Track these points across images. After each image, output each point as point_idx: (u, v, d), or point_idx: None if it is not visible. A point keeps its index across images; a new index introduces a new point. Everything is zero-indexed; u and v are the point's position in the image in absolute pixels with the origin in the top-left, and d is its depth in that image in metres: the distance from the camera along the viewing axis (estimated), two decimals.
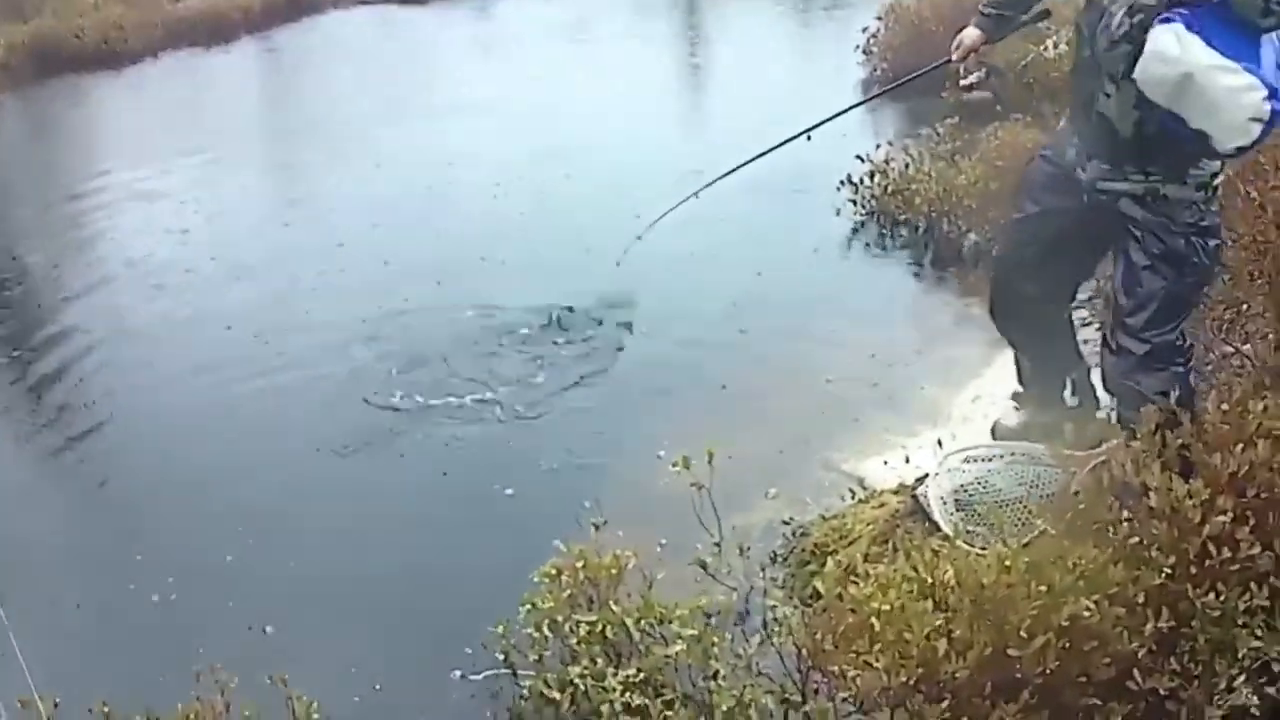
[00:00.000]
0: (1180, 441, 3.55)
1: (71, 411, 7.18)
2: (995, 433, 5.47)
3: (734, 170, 6.06)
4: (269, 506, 6.11)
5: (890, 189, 9.23)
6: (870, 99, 5.77)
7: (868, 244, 9.06)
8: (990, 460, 4.95)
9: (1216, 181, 4.40)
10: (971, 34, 5.34)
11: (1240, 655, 3.17)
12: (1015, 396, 5.51)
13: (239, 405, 7.15)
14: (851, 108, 6.07)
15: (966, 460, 4.98)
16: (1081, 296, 5.96)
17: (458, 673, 4.67)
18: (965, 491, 4.81)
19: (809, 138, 5.82)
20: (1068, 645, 3.13)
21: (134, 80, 16.23)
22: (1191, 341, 4.66)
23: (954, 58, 5.42)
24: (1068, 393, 5.39)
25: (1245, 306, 5.07)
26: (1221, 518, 3.26)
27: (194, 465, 6.54)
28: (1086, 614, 3.15)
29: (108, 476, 6.50)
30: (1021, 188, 5.08)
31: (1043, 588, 3.21)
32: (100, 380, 7.56)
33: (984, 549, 3.92)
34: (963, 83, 6.25)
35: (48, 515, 6.25)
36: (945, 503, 4.78)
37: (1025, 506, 4.53)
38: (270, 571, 5.61)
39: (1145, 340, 4.46)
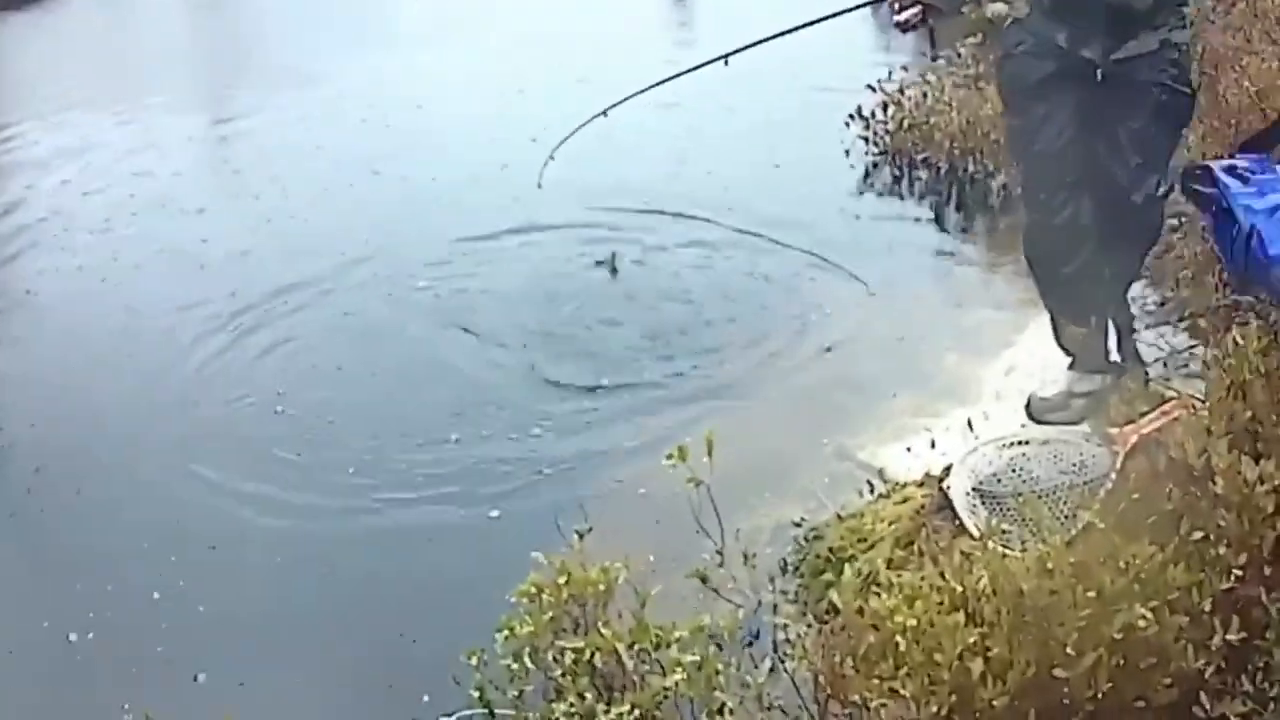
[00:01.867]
0: (1251, 413, 3.53)
1: None
2: (1030, 408, 5.47)
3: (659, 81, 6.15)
4: (199, 529, 6.07)
5: (906, 123, 9.23)
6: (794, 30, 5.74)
7: (881, 189, 9.07)
8: (1026, 444, 4.93)
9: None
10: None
11: None
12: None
13: (163, 411, 7.12)
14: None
15: (1000, 446, 4.97)
16: None
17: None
18: (997, 481, 4.79)
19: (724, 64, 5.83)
20: (1122, 663, 3.10)
21: (44, 20, 16.19)
22: None
23: None
24: (1114, 355, 5.44)
25: None
26: None
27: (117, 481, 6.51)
28: (1142, 624, 3.12)
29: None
30: (1013, 95, 5.24)
31: (1091, 593, 3.19)
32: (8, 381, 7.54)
33: (1021, 550, 3.91)
34: (896, 18, 6.28)
35: None
36: (971, 497, 4.76)
37: (1067, 496, 4.51)
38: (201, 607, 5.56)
39: (1151, 204, 5.03)
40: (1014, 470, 4.79)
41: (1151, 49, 4.81)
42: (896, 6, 5.63)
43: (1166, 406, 4.68)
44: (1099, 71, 4.85)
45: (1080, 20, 4.84)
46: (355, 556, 5.80)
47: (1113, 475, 4.48)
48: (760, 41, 5.83)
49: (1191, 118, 5.28)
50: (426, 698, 4.64)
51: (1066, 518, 4.30)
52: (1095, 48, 4.83)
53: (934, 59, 9.27)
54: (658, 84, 6.10)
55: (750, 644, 4.48)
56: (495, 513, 5.92)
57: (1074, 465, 4.69)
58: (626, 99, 6.01)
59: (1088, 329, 5.39)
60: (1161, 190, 5.05)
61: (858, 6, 5.79)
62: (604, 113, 6.09)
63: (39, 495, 6.45)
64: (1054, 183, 5.13)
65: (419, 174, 10.17)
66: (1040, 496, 4.46)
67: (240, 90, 13.16)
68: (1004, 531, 4.31)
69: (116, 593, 5.65)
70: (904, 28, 6.16)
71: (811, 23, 5.74)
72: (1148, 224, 5.21)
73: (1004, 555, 3.68)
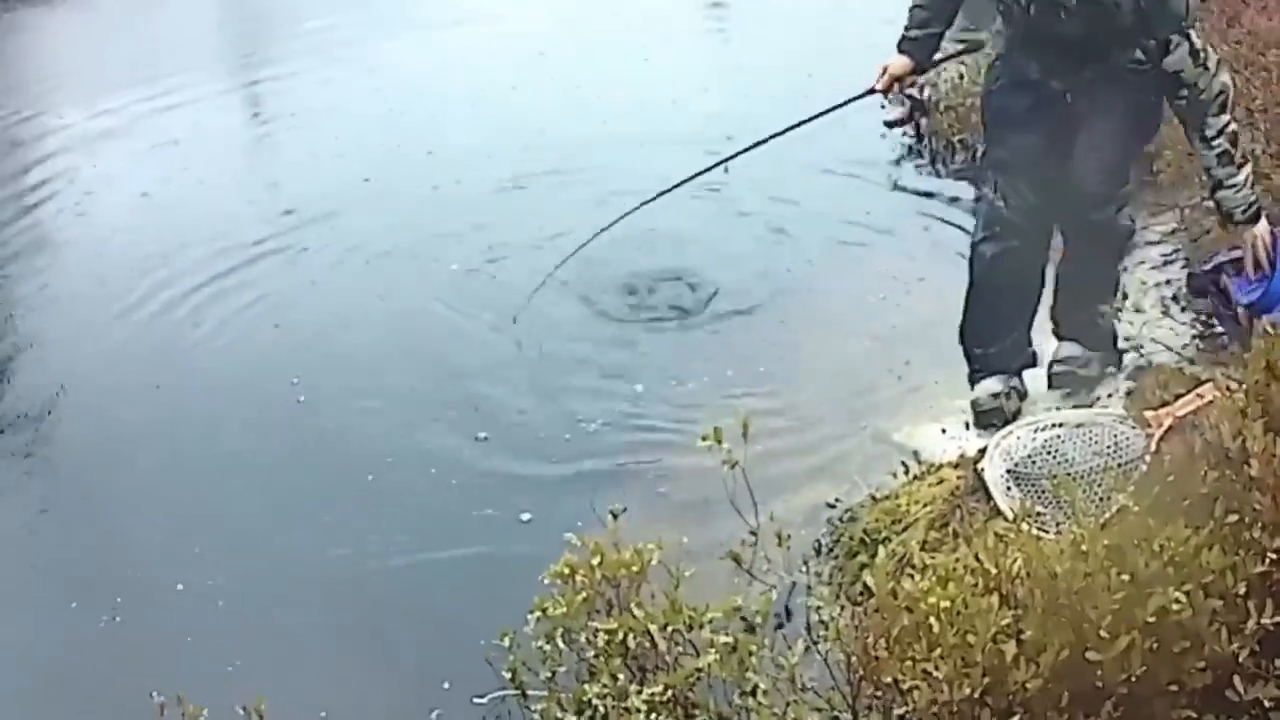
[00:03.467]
0: None
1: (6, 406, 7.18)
2: (975, 407, 5.80)
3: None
4: (225, 510, 6.12)
5: (942, 104, 9.19)
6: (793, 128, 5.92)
7: (918, 168, 9.06)
8: (1060, 426, 4.93)
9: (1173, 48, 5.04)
10: (897, 62, 5.71)
11: None
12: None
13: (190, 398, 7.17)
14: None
15: (1035, 429, 4.96)
16: None
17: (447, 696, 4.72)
18: (1032, 463, 4.79)
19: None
20: (1155, 646, 3.08)
21: (75, 4, 16.23)
22: None
23: (877, 86, 5.73)
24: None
25: None
26: None
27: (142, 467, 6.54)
28: (1177, 607, 3.11)
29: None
30: (996, 129, 5.67)
31: (1125, 576, 3.18)
32: (38, 371, 7.54)
33: (1055, 532, 3.91)
34: (885, 118, 6.41)
35: None
36: (1005, 479, 4.75)
37: (1102, 479, 4.50)
38: (234, 592, 5.56)
39: (1111, 199, 5.41)
40: (1048, 453, 4.80)
41: (1115, 71, 5.17)
42: (884, 106, 5.77)
43: (1201, 389, 4.67)
44: (1067, 95, 5.31)
45: (1048, 53, 5.25)
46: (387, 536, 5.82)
47: (1147, 458, 4.47)
48: (761, 142, 6.23)
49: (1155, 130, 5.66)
50: (447, 684, 4.73)
51: (1100, 500, 4.29)
52: (1062, 77, 5.29)
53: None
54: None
55: (782, 625, 4.49)
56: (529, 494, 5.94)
57: (1108, 448, 4.69)
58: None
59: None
60: (1124, 196, 5.54)
61: (859, 97, 5.92)
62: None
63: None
64: (1032, 210, 5.49)
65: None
66: (1074, 479, 4.44)
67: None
68: (1038, 514, 4.31)
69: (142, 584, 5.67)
70: (893, 125, 6.33)
71: (814, 117, 5.91)
72: (1115, 236, 5.62)
73: (1038, 538, 3.68)
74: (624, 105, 11.09)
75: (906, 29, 5.70)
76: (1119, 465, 4.58)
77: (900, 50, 5.70)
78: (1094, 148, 5.33)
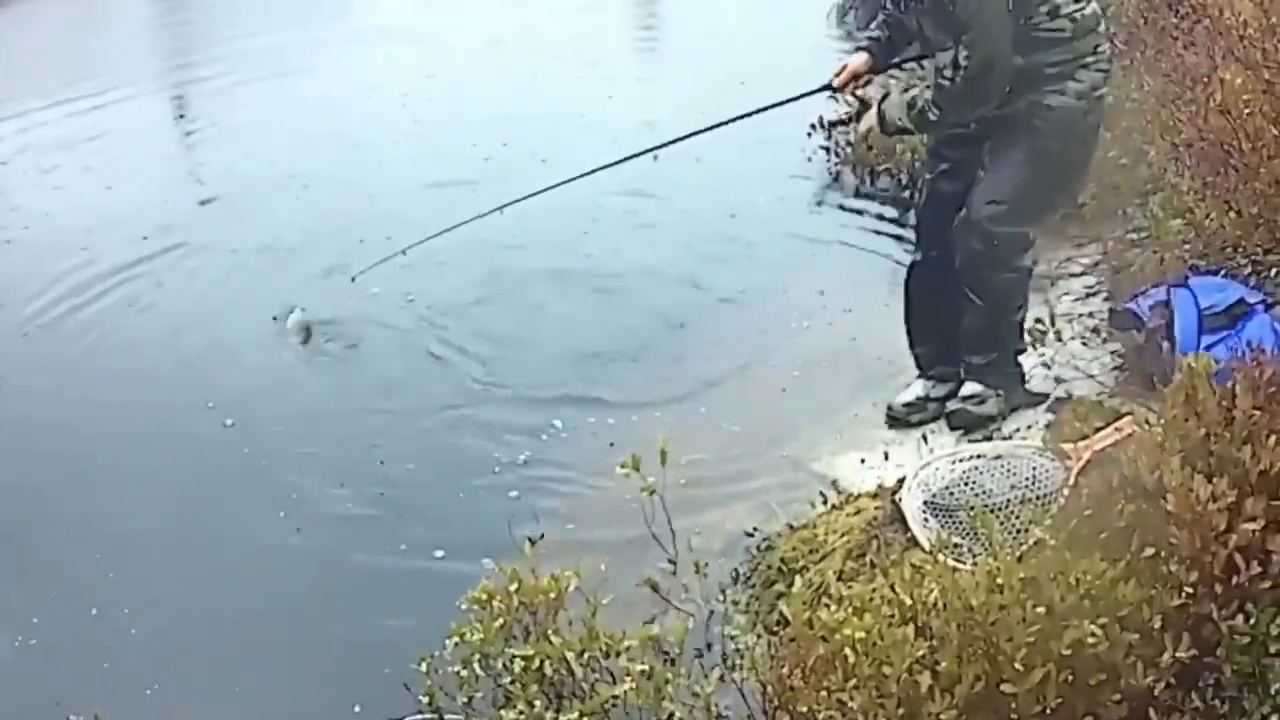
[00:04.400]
0: (1204, 431, 3.54)
1: None
2: (890, 412, 6.06)
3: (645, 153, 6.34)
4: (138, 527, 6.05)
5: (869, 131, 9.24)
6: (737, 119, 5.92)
7: (842, 200, 9.09)
8: (979, 458, 4.96)
9: (1098, 93, 5.46)
10: (858, 59, 5.78)
11: (1273, 690, 3.13)
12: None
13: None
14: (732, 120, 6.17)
15: (954, 460, 4.99)
16: None
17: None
18: (950, 494, 4.81)
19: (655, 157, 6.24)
20: (1071, 678, 3.10)
21: (16, 14, 16.17)
22: (1035, 258, 5.80)
23: (834, 83, 5.80)
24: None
25: None
26: (1251, 525, 3.20)
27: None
28: (1093, 640, 3.12)
29: None
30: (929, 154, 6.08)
31: (1040, 609, 3.19)
32: None
33: (973, 564, 3.92)
34: (830, 118, 6.46)
35: None
36: (923, 510, 4.77)
37: (1019, 511, 4.53)
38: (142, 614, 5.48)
39: (993, 233, 5.45)
40: (966, 484, 4.83)
41: (1020, 109, 5.41)
42: (838, 82, 5.77)
43: (1120, 423, 4.72)
44: (971, 124, 5.56)
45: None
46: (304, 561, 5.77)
47: (1065, 490, 4.51)
48: (700, 131, 6.12)
49: (1061, 187, 5.84)
50: (358, 708, 4.72)
51: (1018, 532, 4.32)
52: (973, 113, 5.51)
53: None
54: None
55: (701, 655, 4.47)
56: (448, 516, 5.91)
57: (1026, 480, 4.73)
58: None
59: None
60: (1019, 236, 5.58)
61: (813, 93, 5.97)
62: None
63: None
64: (938, 224, 5.74)
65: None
66: (992, 510, 4.48)
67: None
68: (955, 545, 4.33)
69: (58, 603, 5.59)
70: (835, 125, 6.37)
71: (764, 108, 5.92)
72: (1003, 269, 5.60)
73: (954, 569, 3.69)
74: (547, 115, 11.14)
75: (870, 28, 5.84)
76: (1037, 497, 4.61)
77: (860, 49, 5.80)
78: (987, 176, 5.54)
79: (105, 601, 5.52)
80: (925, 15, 5.41)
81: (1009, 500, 4.64)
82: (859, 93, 5.79)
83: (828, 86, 5.81)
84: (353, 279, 7.18)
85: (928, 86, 5.43)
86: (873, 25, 5.82)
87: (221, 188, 10.08)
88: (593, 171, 6.18)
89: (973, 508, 4.49)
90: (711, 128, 6.02)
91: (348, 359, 7.42)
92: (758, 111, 5.95)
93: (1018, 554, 3.67)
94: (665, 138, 6.20)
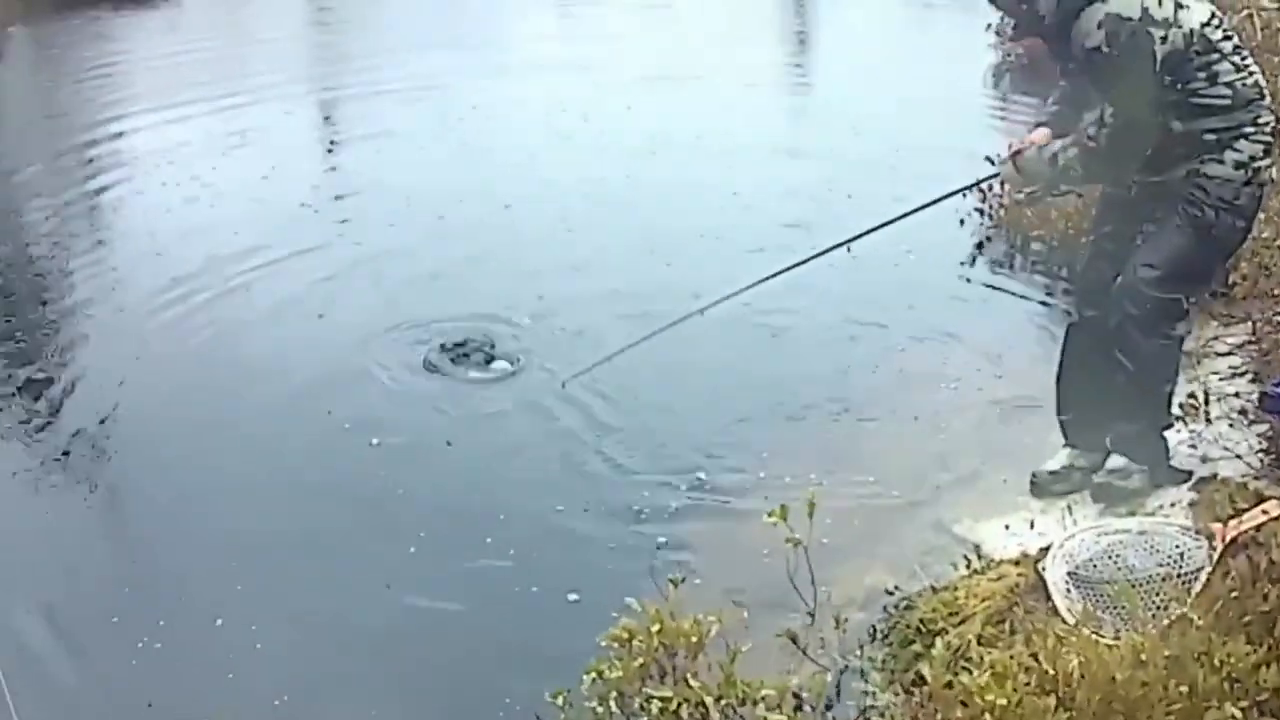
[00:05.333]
0: None
1: (63, 413, 7.32)
2: (1034, 480, 6.03)
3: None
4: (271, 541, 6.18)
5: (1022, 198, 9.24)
6: (908, 215, 6.01)
7: (994, 262, 9.11)
8: (1125, 532, 4.96)
9: (1257, 164, 5.36)
10: (1039, 134, 5.72)
11: None
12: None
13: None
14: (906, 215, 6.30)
15: (1099, 533, 4.99)
16: None
17: None
18: (1093, 567, 4.81)
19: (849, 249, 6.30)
20: None
21: (168, 16, 16.64)
22: (1189, 329, 5.86)
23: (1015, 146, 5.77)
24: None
25: None
26: None
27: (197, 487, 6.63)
28: None
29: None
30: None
31: (1183, 688, 3.22)
32: (95, 378, 7.70)
33: (1115, 638, 3.94)
34: (1019, 193, 6.40)
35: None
36: (1066, 581, 4.77)
37: (1161, 589, 4.53)
38: (272, 632, 5.54)
39: (1147, 297, 5.39)
40: (1110, 557, 4.82)
41: (1178, 175, 5.39)
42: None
43: (1266, 505, 4.70)
44: (1133, 188, 5.57)
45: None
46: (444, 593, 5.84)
47: (1208, 569, 4.50)
48: (887, 223, 6.33)
49: (1217, 256, 5.74)
50: None
51: (1159, 609, 4.32)
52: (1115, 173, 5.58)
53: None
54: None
55: (831, 707, 4.52)
56: (591, 557, 5.98)
57: (1170, 558, 4.70)
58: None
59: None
60: (1173, 307, 5.49)
61: (955, 193, 6.30)
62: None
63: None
64: (1096, 286, 5.73)
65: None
66: (1135, 586, 4.48)
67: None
68: (1098, 619, 4.33)
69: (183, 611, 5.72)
70: (1029, 201, 6.34)
71: (914, 210, 5.99)
72: (1152, 341, 5.51)
73: (1098, 643, 3.71)
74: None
75: (1048, 104, 5.86)
76: (1180, 575, 4.59)
77: (1040, 124, 5.78)
78: (1146, 241, 5.53)
79: (230, 613, 5.61)
80: (1075, 77, 5.49)
81: (1152, 576, 4.63)
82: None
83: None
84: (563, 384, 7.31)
85: (1073, 144, 5.44)
86: (1050, 101, 5.83)
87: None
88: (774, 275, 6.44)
89: (1116, 582, 4.50)
90: (884, 225, 6.25)
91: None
92: (939, 201, 6.21)
93: (1159, 630, 3.68)
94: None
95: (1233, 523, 4.70)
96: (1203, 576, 4.49)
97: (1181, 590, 4.37)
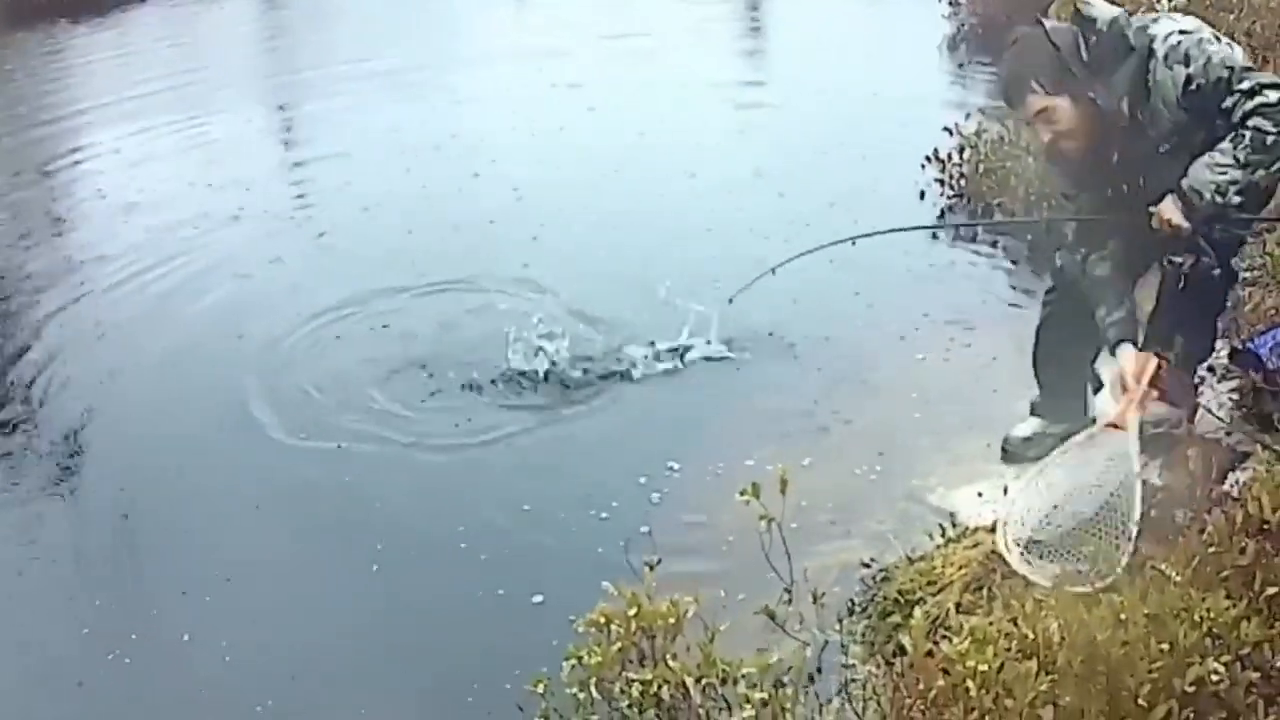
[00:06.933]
0: None
1: (30, 434, 7.23)
2: (1005, 445, 6.08)
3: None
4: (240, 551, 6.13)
5: (982, 167, 9.23)
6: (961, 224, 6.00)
7: (957, 233, 9.10)
8: (1053, 475, 4.94)
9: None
10: (1178, 216, 5.05)
11: None
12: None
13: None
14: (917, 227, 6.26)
15: (1029, 487, 4.97)
16: None
17: None
18: (1048, 524, 4.76)
19: (853, 243, 5.96)
20: (1192, 716, 3.12)
21: (119, 28, 16.66)
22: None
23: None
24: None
25: None
26: None
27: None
28: (1215, 678, 3.14)
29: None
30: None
31: (1164, 646, 3.21)
32: (65, 399, 7.61)
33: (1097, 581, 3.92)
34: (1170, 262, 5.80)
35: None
36: (1025, 557, 4.72)
37: (1111, 516, 4.55)
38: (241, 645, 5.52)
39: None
40: (1058, 509, 4.80)
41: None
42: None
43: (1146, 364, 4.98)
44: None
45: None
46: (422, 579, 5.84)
47: (1137, 466, 4.61)
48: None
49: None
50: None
51: (1119, 534, 4.38)
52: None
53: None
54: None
55: (813, 682, 4.49)
56: (564, 540, 5.97)
57: (1104, 475, 4.76)
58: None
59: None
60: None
61: (917, 228, 6.46)
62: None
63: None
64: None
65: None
66: (1091, 529, 4.52)
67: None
68: (1077, 574, 4.30)
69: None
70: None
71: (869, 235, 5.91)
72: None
73: (1077, 604, 3.69)
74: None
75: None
76: (1120, 483, 4.63)
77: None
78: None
79: (199, 628, 5.58)
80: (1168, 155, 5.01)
81: (1101, 508, 4.64)
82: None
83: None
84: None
85: (1222, 171, 4.83)
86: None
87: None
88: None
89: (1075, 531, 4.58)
90: (865, 236, 6.00)
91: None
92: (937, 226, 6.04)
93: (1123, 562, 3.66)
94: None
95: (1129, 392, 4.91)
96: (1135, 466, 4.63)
97: (1130, 502, 4.47)
